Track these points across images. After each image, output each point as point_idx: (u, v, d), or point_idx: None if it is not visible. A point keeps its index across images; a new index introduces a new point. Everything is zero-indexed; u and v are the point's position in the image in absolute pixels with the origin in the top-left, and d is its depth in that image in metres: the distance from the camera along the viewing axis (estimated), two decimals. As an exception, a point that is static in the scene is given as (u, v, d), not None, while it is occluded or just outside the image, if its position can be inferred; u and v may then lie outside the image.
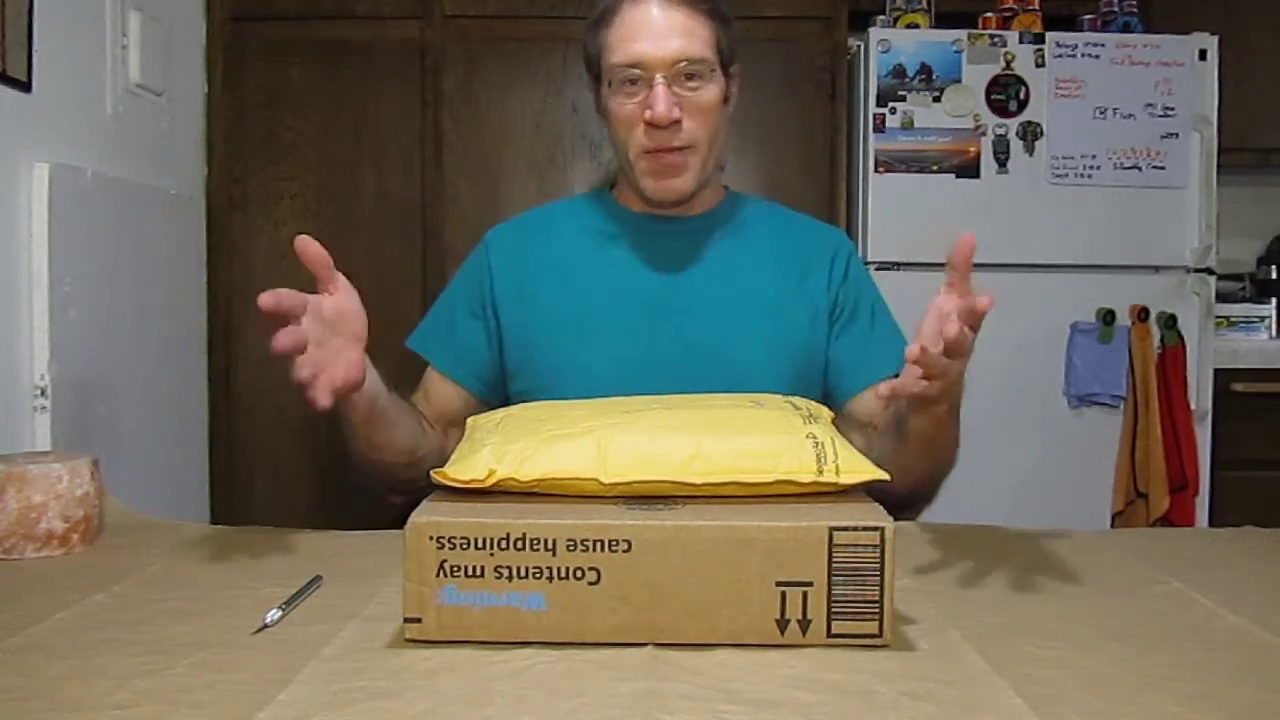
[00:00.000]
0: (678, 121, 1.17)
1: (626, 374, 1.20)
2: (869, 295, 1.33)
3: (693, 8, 1.18)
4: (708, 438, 0.78)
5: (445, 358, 1.30)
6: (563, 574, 0.68)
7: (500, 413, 0.93)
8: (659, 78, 1.16)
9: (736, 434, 0.79)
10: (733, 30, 1.23)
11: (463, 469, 0.77)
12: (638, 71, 1.17)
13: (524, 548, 0.68)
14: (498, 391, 1.31)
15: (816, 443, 0.77)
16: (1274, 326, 2.68)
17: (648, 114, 1.16)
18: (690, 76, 1.17)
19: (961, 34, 2.33)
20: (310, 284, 0.96)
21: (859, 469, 0.77)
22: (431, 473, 0.80)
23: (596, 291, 1.26)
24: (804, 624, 0.68)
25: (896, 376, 1.07)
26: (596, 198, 1.36)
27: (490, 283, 1.29)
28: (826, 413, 0.92)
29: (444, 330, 1.32)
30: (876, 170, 2.32)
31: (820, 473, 0.75)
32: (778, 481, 0.75)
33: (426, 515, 0.69)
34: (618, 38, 1.18)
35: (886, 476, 0.78)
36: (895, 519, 0.70)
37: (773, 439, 0.78)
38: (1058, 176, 2.33)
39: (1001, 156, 2.32)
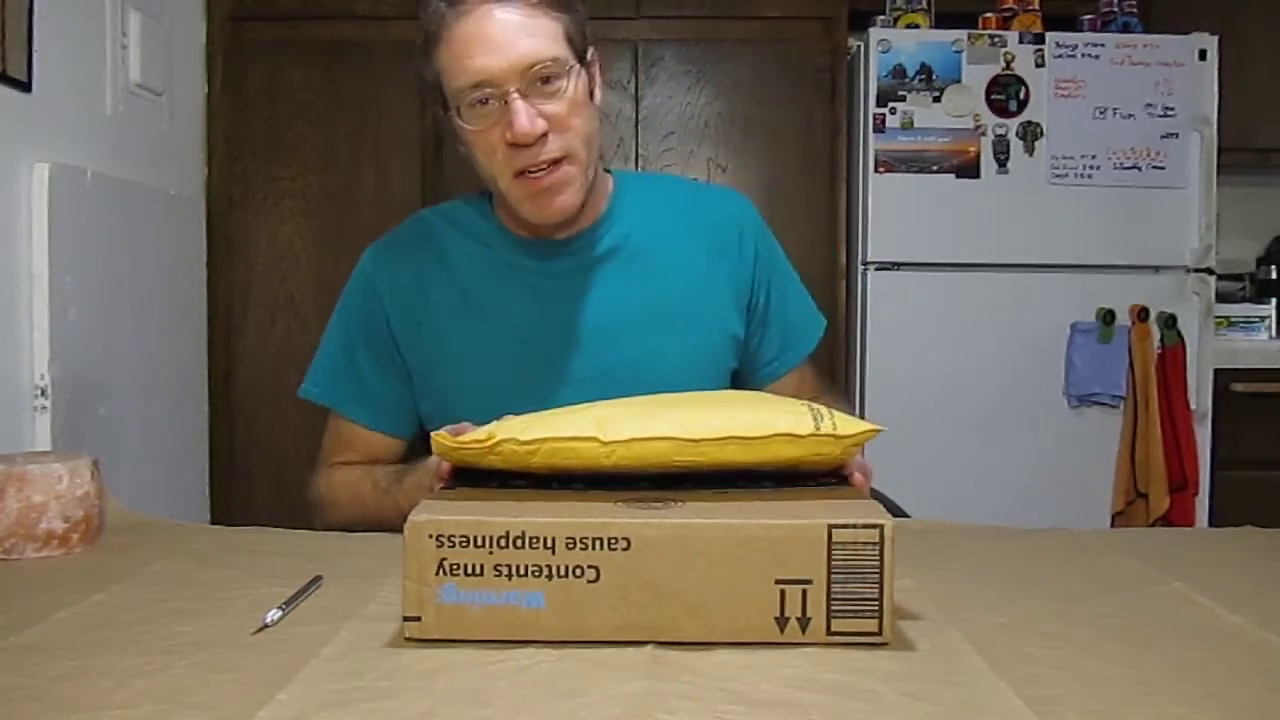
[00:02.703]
0: (544, 135, 1.04)
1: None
2: (780, 271, 1.25)
3: (529, 2, 1.04)
4: (707, 406, 0.81)
5: (361, 408, 1.19)
6: (562, 572, 0.68)
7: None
8: (512, 91, 1.02)
9: (734, 404, 0.83)
10: (581, 14, 1.09)
11: (465, 437, 0.78)
12: (488, 90, 1.03)
13: (523, 546, 0.67)
14: (421, 428, 1.21)
15: (812, 408, 0.80)
16: (1274, 326, 2.68)
17: (508, 134, 1.03)
18: (546, 80, 1.04)
19: (961, 34, 2.33)
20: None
21: (855, 425, 0.79)
22: (432, 435, 0.80)
23: (502, 331, 1.16)
24: (803, 622, 0.68)
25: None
26: (477, 211, 1.21)
27: (385, 320, 1.17)
28: None
29: (347, 375, 1.20)
30: (876, 170, 2.32)
31: (818, 428, 0.77)
32: (777, 435, 0.76)
33: (426, 514, 0.69)
34: (454, 57, 1.05)
35: (884, 428, 0.81)
36: None
37: (769, 405, 0.82)
38: (1058, 176, 2.33)
39: (1001, 156, 2.32)
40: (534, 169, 1.06)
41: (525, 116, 1.03)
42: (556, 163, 1.07)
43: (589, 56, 1.11)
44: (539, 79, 1.04)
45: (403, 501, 1.04)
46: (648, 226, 1.20)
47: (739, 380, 1.24)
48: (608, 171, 1.24)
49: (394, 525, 0.76)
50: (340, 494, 1.19)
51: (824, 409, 0.80)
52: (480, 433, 0.78)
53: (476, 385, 1.15)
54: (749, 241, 1.22)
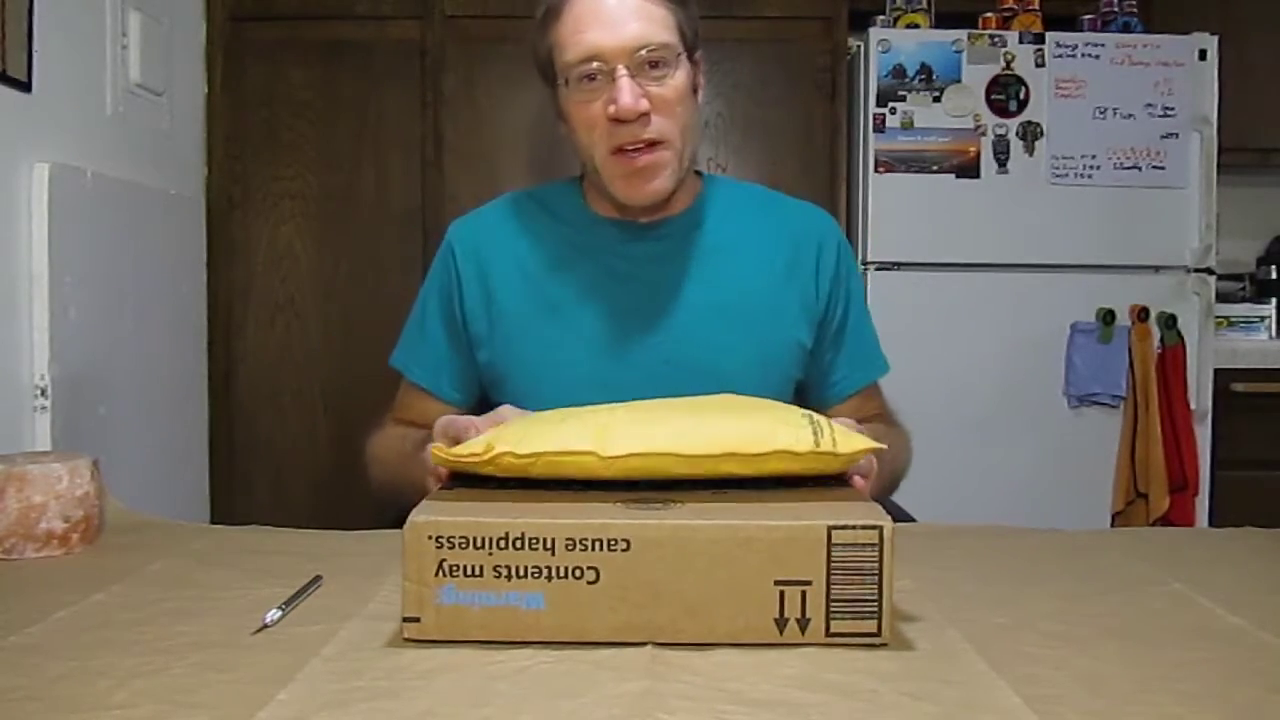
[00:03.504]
0: (645, 114, 1.08)
1: (606, 398, 1.04)
2: (856, 294, 1.27)
3: None
4: (707, 416, 0.80)
5: (420, 370, 1.25)
6: (562, 573, 0.68)
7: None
8: (620, 68, 1.07)
9: (734, 414, 0.82)
10: (693, 12, 1.14)
11: (461, 448, 0.78)
12: (596, 65, 1.08)
13: (523, 547, 0.68)
14: (480, 399, 1.25)
15: (813, 421, 0.79)
16: (1274, 326, 2.68)
17: (611, 108, 1.07)
18: (654, 65, 1.08)
19: (961, 34, 2.33)
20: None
21: (855, 442, 0.78)
22: (430, 448, 0.80)
23: (571, 307, 1.19)
24: (803, 623, 0.68)
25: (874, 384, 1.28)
26: (567, 193, 1.26)
27: (458, 288, 1.22)
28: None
29: (417, 338, 1.26)
30: (876, 170, 2.32)
31: (818, 444, 0.76)
32: (776, 452, 0.76)
33: (425, 514, 0.69)
34: (568, 32, 1.09)
35: (883, 447, 0.80)
36: None
37: (769, 416, 0.81)
38: (1058, 176, 2.33)
39: (1001, 156, 2.32)
40: (630, 147, 1.10)
41: (629, 93, 1.06)
42: (653, 145, 1.10)
43: (696, 55, 1.15)
44: (647, 62, 1.08)
45: (415, 472, 1.04)
46: (730, 226, 1.23)
47: (803, 394, 1.26)
48: (697, 173, 1.27)
49: (406, 493, 0.76)
50: (380, 450, 1.23)
51: (824, 422, 0.79)
52: (478, 444, 0.78)
53: (539, 358, 1.19)
54: (829, 257, 1.24)
